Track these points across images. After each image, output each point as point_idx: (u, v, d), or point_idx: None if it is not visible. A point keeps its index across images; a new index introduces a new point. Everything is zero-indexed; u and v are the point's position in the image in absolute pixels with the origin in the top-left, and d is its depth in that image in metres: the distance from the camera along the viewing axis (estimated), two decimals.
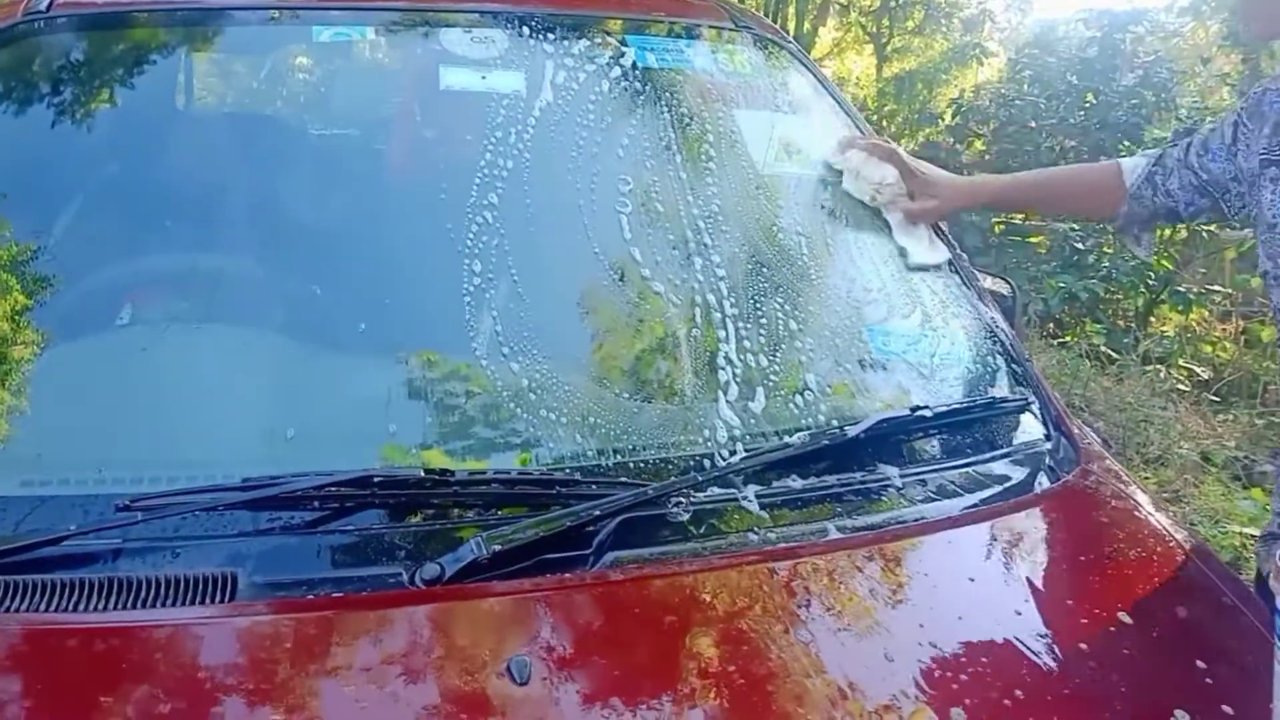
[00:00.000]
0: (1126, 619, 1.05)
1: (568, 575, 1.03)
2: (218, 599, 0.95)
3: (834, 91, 1.79)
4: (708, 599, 1.05)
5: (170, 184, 1.41)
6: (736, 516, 1.14)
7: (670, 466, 1.17)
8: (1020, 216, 7.35)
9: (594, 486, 1.11)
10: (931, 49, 12.23)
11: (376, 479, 1.05)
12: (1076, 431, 1.38)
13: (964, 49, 10.85)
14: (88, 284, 1.28)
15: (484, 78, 1.52)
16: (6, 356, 1.15)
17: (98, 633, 0.92)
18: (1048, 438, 1.36)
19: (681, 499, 1.13)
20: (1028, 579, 1.15)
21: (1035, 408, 1.39)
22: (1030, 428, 1.37)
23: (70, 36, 1.51)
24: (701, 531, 1.11)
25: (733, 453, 1.19)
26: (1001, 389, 1.41)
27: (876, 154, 1.59)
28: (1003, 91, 7.32)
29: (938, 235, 1.59)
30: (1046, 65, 7.16)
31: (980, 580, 1.15)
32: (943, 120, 8.06)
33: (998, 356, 1.47)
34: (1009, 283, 1.66)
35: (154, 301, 1.29)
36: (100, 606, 0.93)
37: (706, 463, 1.18)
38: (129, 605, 0.94)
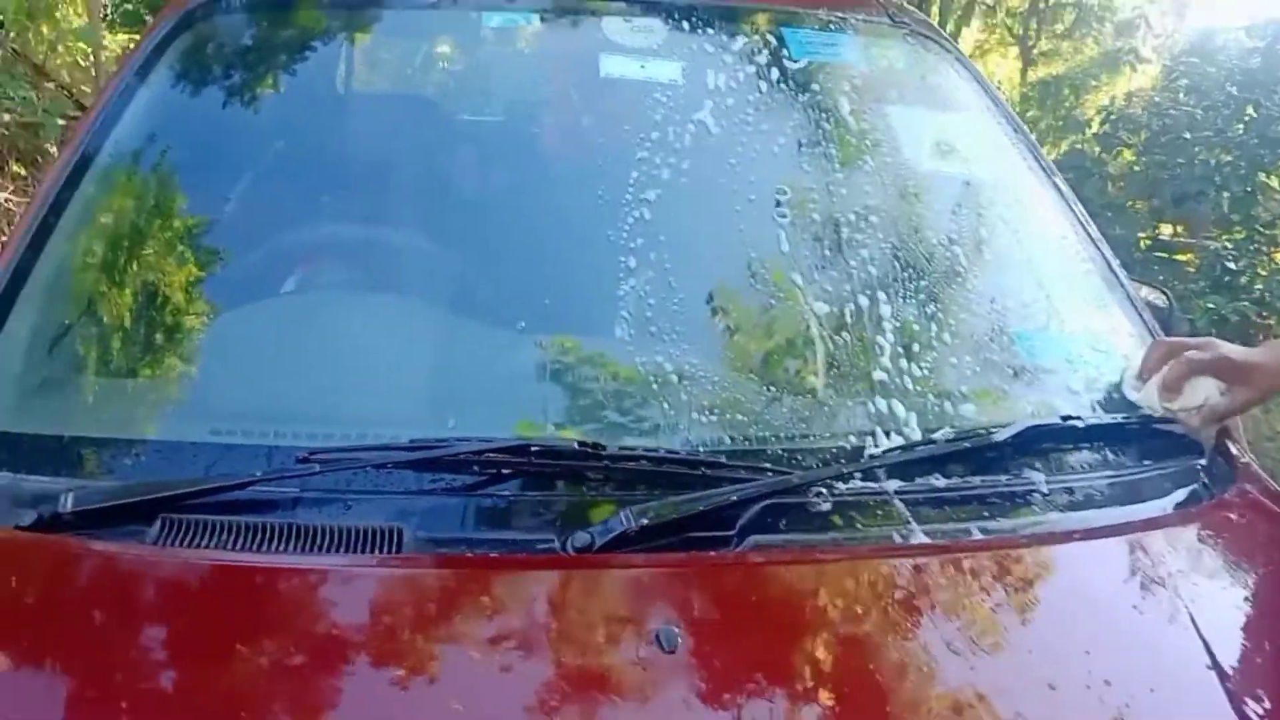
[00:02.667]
0: None
1: (711, 554, 1.06)
2: (386, 550, 1.01)
3: (990, 90, 1.77)
4: (847, 589, 1.07)
5: (348, 161, 1.49)
6: (879, 511, 1.14)
7: (815, 456, 1.18)
8: (1167, 232, 7.06)
9: (740, 471, 1.13)
10: (1081, 53, 11.80)
11: (534, 448, 1.10)
12: (1234, 449, 1.33)
13: (1116, 54, 10.43)
14: (274, 252, 1.37)
15: (643, 66, 1.55)
16: (201, 316, 1.24)
17: (278, 573, 0.99)
18: (1203, 453, 1.31)
19: (824, 489, 1.14)
20: (1175, 596, 1.12)
21: None
22: (1185, 442, 1.32)
23: (245, 18, 1.61)
24: (843, 522, 1.12)
25: (878, 447, 1.20)
26: None
27: (1191, 371, 1.26)
28: (1156, 100, 7.01)
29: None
30: (1205, 75, 6.82)
31: (1124, 594, 1.12)
32: (1090, 128, 7.78)
33: None
34: (1166, 294, 1.61)
35: (329, 270, 1.37)
36: (280, 549, 1.00)
37: (851, 455, 1.19)
38: (306, 550, 1.01)
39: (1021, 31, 12.34)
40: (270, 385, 1.21)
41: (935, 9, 10.89)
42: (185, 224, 1.35)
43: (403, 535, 1.03)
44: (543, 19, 1.64)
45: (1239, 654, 1.04)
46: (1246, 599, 1.13)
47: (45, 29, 6.05)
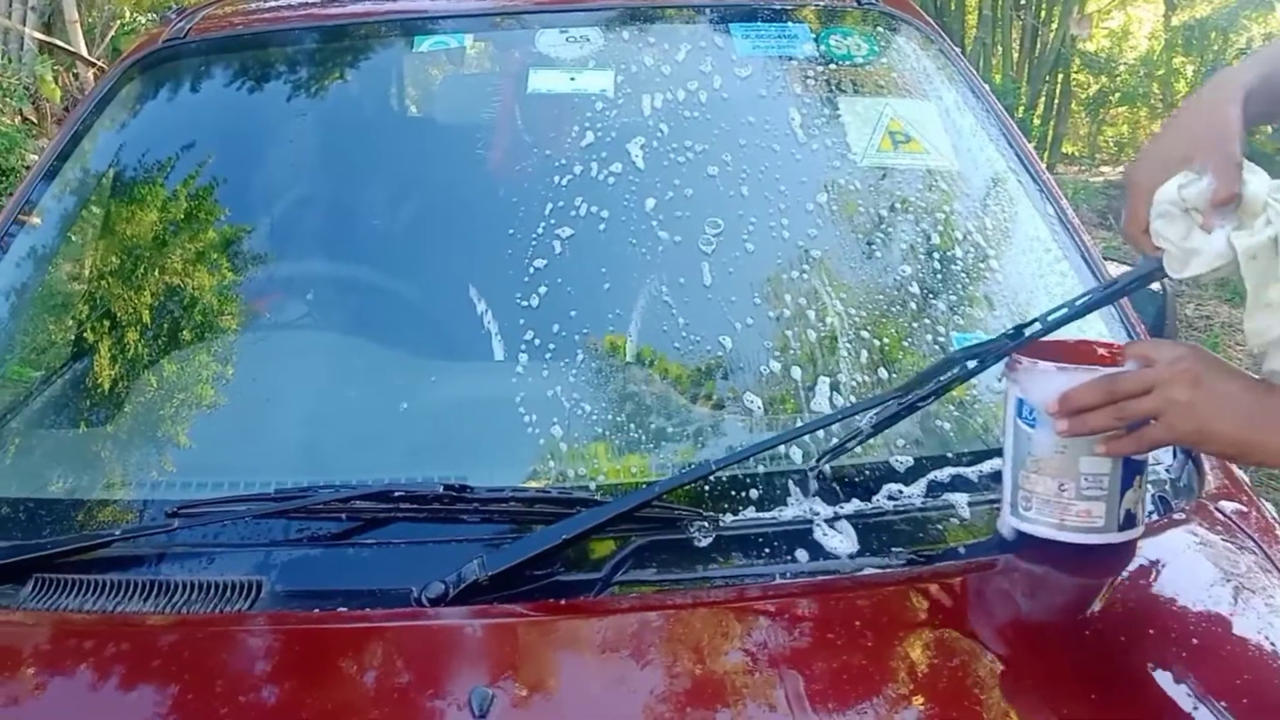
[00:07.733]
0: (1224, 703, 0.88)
1: (573, 600, 1.01)
2: (244, 604, 1.01)
3: (971, 77, 1.62)
4: (722, 633, 0.99)
5: (256, 204, 1.50)
6: (763, 545, 1.06)
7: (700, 489, 1.11)
8: None
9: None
10: None
11: (397, 493, 1.07)
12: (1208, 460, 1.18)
13: None
14: (154, 303, 1.37)
15: (573, 79, 1.50)
16: (83, 372, 1.28)
17: (131, 629, 1.00)
18: (1165, 462, 1.17)
19: (704, 523, 1.07)
20: (1098, 627, 1.00)
21: None
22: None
23: (205, 59, 1.65)
24: (723, 559, 1.05)
25: (763, 476, 1.12)
26: None
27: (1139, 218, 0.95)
28: None
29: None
30: None
31: (1048, 624, 1.02)
32: None
33: None
34: (1162, 284, 1.43)
35: (206, 315, 1.37)
36: (142, 605, 1.01)
37: (739, 486, 1.11)
38: (167, 606, 1.01)
39: None
40: (150, 437, 1.23)
41: None
42: (63, 276, 1.39)
43: (261, 588, 1.02)
44: (475, 39, 1.61)
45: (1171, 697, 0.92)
46: (1182, 635, 0.99)
47: None
